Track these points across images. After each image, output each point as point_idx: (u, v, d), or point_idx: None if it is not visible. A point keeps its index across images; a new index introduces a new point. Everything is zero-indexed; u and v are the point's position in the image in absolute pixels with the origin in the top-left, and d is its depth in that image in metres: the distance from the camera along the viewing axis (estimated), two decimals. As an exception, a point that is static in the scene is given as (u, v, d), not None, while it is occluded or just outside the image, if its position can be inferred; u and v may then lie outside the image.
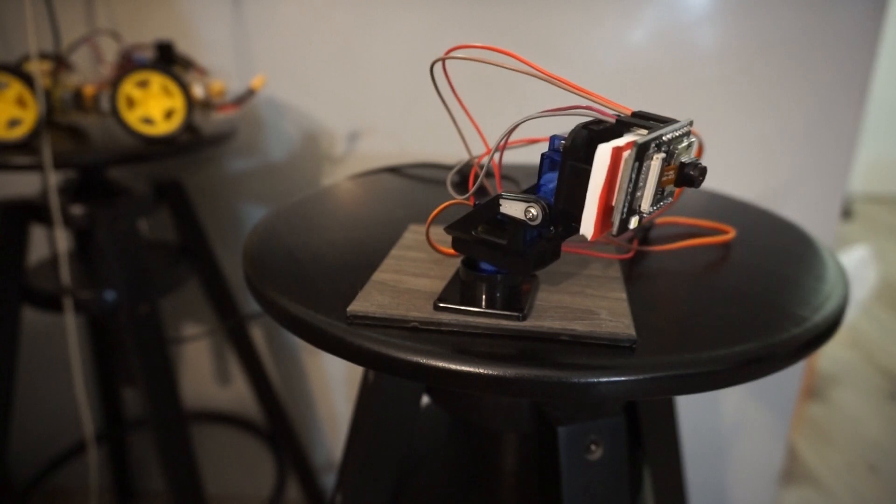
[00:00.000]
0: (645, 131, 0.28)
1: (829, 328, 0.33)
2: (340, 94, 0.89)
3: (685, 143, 0.29)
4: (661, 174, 0.28)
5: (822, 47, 0.79)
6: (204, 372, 1.09)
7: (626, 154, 0.26)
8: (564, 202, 0.29)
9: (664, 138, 0.27)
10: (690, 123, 0.29)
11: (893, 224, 2.83)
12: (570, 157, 0.28)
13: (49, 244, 1.01)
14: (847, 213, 2.92)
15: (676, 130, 0.28)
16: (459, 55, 0.32)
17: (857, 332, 1.86)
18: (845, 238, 2.59)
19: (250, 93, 0.77)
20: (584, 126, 0.28)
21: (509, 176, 0.60)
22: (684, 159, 0.29)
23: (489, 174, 0.56)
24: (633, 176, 0.27)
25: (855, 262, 1.45)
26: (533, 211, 0.29)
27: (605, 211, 0.27)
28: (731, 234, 0.44)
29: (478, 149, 0.90)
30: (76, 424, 1.15)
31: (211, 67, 0.89)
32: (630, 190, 0.27)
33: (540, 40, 0.83)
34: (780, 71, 0.81)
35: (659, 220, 0.48)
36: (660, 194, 0.29)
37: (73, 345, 1.09)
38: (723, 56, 0.81)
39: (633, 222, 0.28)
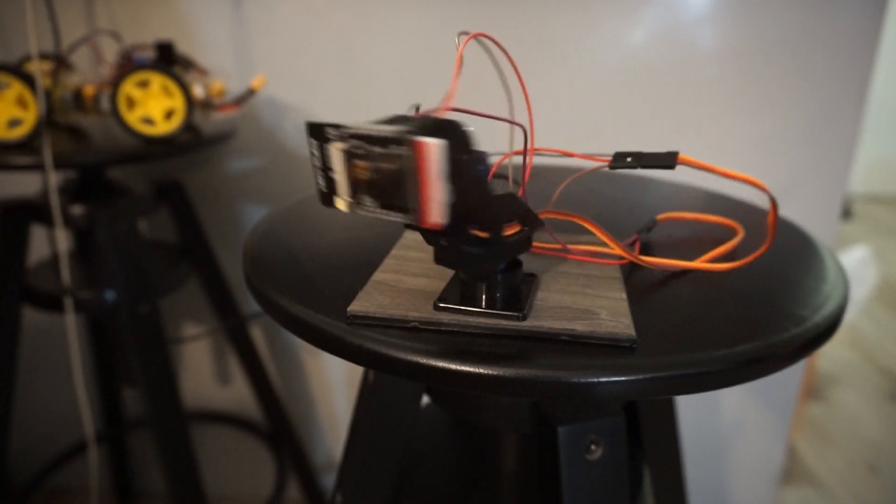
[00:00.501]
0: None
1: (829, 328, 0.33)
2: (340, 94, 0.89)
3: (390, 150, 0.26)
4: (351, 167, 0.27)
5: (822, 47, 0.79)
6: (204, 372, 1.09)
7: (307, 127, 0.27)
8: None
9: (359, 132, 0.26)
10: (407, 124, 0.26)
11: (893, 224, 2.83)
12: None
13: (49, 244, 1.01)
14: (847, 213, 2.92)
15: (383, 132, 0.25)
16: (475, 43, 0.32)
17: (857, 332, 1.86)
18: (845, 238, 2.59)
19: (250, 93, 0.77)
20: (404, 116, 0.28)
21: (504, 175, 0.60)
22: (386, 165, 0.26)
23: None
24: (317, 153, 0.27)
25: (855, 262, 1.45)
26: None
27: None
28: (740, 234, 0.44)
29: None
30: (76, 424, 1.15)
31: (211, 67, 0.89)
32: (318, 166, 0.28)
33: (540, 40, 0.83)
34: (780, 71, 0.81)
35: (660, 217, 0.47)
36: (368, 191, 0.27)
37: (73, 345, 1.09)
38: (723, 56, 0.81)
39: (339, 203, 0.28)
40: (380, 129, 0.25)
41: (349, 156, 0.27)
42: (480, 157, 0.28)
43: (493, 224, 0.29)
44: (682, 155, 0.36)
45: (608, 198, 0.55)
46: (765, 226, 0.47)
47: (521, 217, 0.31)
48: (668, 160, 0.36)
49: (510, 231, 0.30)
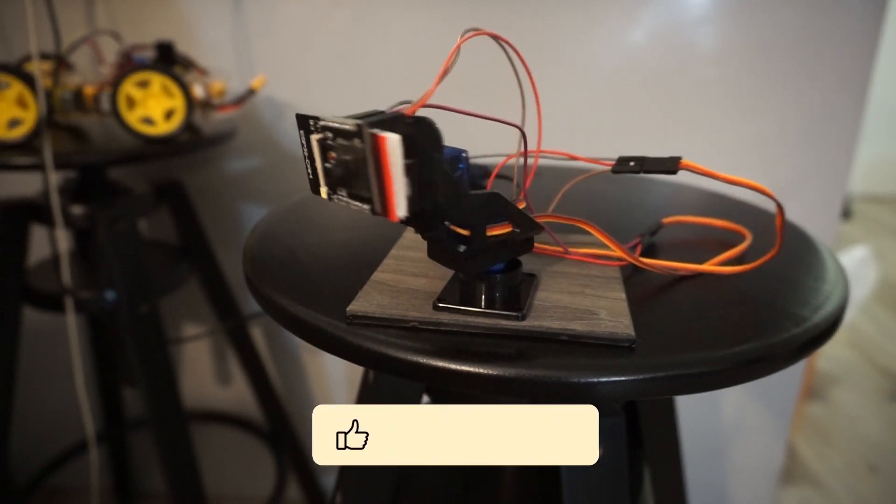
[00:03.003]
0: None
1: (829, 328, 0.33)
2: (340, 94, 0.89)
3: (352, 142, 0.26)
4: (325, 158, 0.28)
5: (822, 47, 0.79)
6: (204, 372, 1.09)
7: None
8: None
9: (328, 124, 0.27)
10: (369, 116, 0.27)
11: (893, 224, 2.83)
12: None
13: (49, 244, 1.01)
14: (847, 213, 2.92)
15: (345, 125, 0.26)
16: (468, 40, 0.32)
17: (856, 332, 1.86)
18: (845, 238, 2.59)
19: (250, 93, 0.77)
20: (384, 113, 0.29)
21: (507, 175, 0.60)
22: (343, 156, 0.27)
23: (487, 175, 0.56)
24: (304, 143, 0.29)
25: (855, 262, 1.45)
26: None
27: None
28: (748, 239, 0.43)
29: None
30: (76, 424, 1.15)
31: (211, 68, 0.89)
32: (306, 155, 0.29)
33: (540, 40, 0.83)
34: (780, 71, 0.81)
35: (666, 220, 0.47)
36: (339, 181, 0.28)
37: (73, 345, 1.09)
38: (723, 56, 0.81)
39: (322, 191, 0.29)
40: (343, 121, 0.26)
41: (323, 147, 0.28)
42: (451, 155, 0.29)
43: (472, 222, 0.29)
44: (685, 160, 0.35)
45: (610, 199, 0.55)
46: (772, 230, 0.47)
47: (511, 218, 0.30)
48: (670, 165, 0.36)
49: (497, 231, 0.30)
